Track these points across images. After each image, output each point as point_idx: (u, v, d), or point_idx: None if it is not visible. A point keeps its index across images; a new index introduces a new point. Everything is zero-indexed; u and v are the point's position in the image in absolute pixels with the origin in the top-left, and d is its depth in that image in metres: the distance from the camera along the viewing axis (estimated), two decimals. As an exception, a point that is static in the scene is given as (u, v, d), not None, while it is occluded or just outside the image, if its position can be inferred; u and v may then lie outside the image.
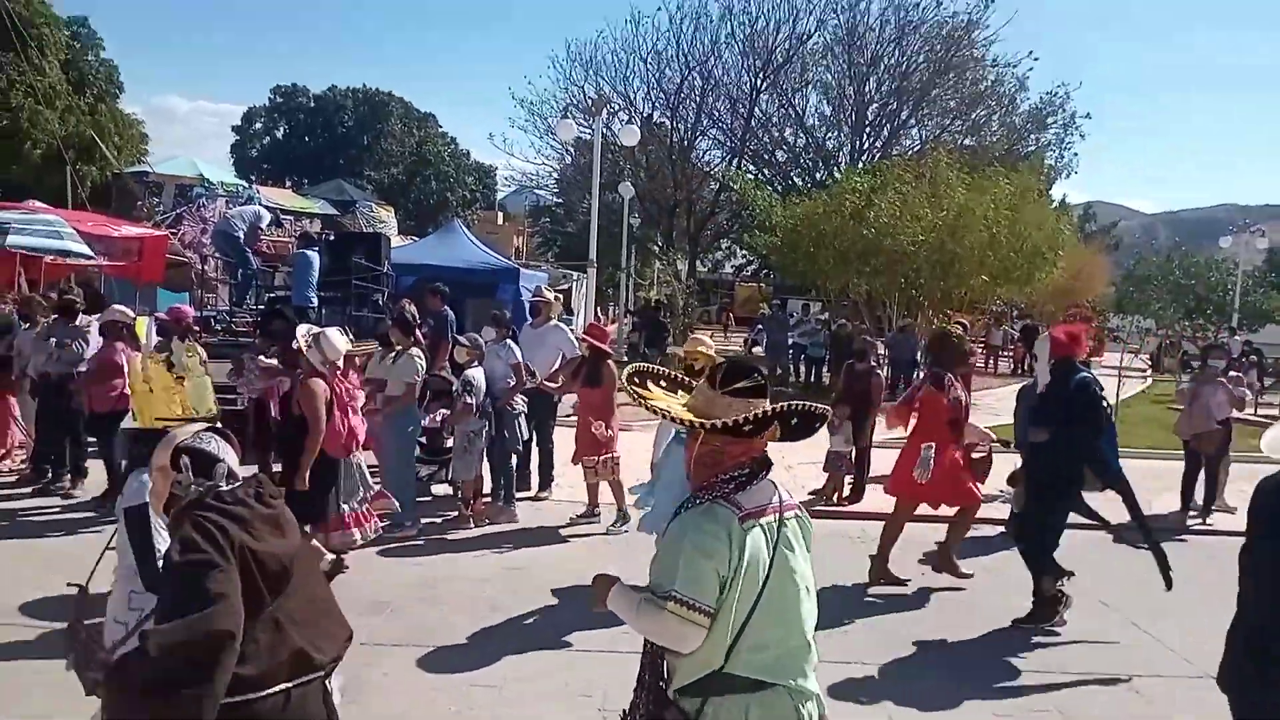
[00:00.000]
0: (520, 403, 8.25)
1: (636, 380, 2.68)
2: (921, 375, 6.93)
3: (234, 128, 63.50)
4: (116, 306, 8.81)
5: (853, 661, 5.27)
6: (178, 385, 4.94)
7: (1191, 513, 9.25)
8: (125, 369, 7.84)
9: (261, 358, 8.28)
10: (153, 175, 22.53)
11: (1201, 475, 9.25)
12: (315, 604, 2.55)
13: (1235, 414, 9.07)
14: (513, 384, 8.12)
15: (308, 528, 6.18)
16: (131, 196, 21.50)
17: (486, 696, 4.71)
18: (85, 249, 12.13)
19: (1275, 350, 30.48)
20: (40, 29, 30.54)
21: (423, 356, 7.77)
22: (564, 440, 9.22)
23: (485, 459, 8.01)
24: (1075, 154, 36.27)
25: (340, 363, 6.27)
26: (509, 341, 8.30)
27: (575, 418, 8.34)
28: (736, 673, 2.36)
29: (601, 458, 7.76)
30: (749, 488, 2.43)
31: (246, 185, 22.59)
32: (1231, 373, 9.29)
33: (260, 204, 14.67)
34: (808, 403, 2.51)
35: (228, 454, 2.60)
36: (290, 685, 2.35)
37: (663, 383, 2.76)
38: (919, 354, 18.30)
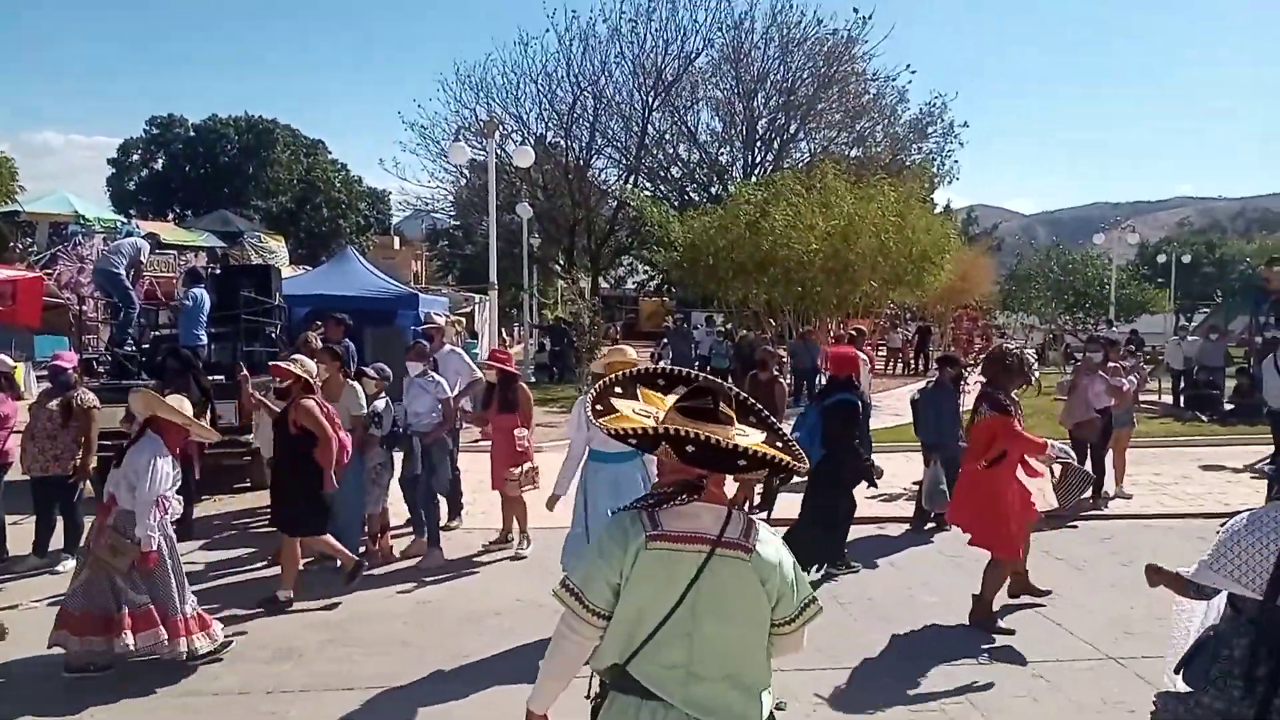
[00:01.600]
0: (449, 439, 8.07)
1: (604, 397, 2.54)
2: (977, 401, 6.17)
3: (110, 160, 60.67)
4: None
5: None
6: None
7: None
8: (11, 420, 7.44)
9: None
10: (24, 214, 21.44)
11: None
12: None
13: (1113, 402, 9.53)
14: (441, 420, 7.86)
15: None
16: (2, 238, 20.41)
17: (403, 737, 4.58)
18: (-50, 294, 11.40)
19: (1152, 339, 32.30)
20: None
21: (358, 386, 7.59)
22: (470, 467, 9.09)
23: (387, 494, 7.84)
24: (956, 161, 37.80)
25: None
26: (434, 374, 8.09)
27: (487, 443, 8.27)
28: (634, 674, 2.39)
29: (523, 468, 7.74)
30: (678, 508, 2.39)
31: (125, 220, 21.70)
32: (1110, 364, 9.75)
33: (138, 235, 14.06)
34: (715, 438, 2.30)
35: None
36: None
37: (660, 381, 2.62)
38: (820, 361, 18.77)
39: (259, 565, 7.50)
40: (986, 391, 6.16)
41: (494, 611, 6.41)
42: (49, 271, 14.71)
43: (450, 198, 38.91)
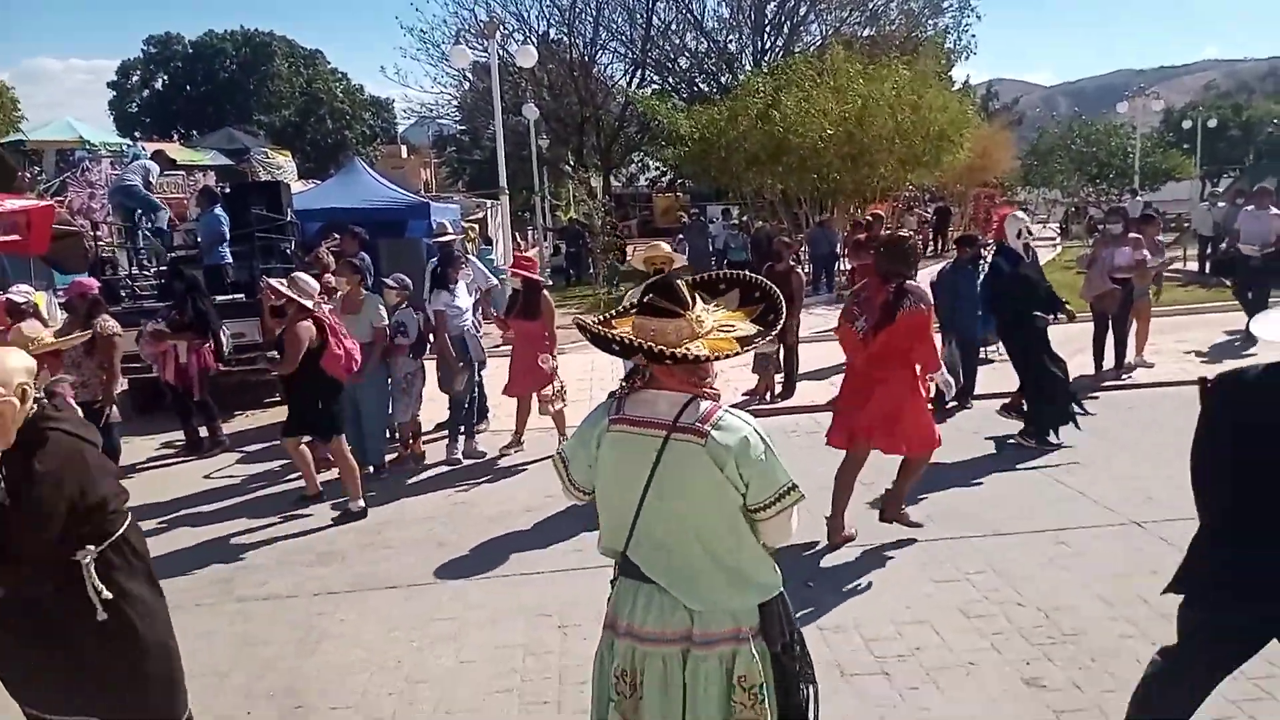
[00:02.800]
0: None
1: (598, 324, 2.58)
2: (887, 289, 5.13)
3: (110, 84, 59.82)
4: (19, 286, 8.42)
5: (795, 545, 5.44)
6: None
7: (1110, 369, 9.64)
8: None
9: (151, 324, 8.17)
10: (29, 144, 21.28)
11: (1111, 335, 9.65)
12: None
13: (1132, 270, 9.38)
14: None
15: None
16: (10, 169, 20.30)
17: (446, 628, 4.77)
18: (-34, 228, 11.45)
19: (1178, 206, 31.61)
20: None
21: (379, 298, 7.66)
22: (495, 372, 9.18)
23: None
24: (973, 35, 36.51)
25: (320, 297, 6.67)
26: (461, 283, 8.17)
27: (508, 349, 8.30)
28: (631, 558, 2.55)
29: (554, 388, 7.82)
30: (636, 395, 2.54)
31: (130, 143, 21.50)
32: (1130, 234, 9.59)
33: (145, 158, 13.97)
34: (598, 330, 2.51)
35: None
36: None
37: (721, 287, 2.73)
38: (838, 246, 18.58)
39: (294, 476, 7.69)
40: (894, 282, 5.27)
41: (525, 508, 6.58)
42: (60, 199, 14.67)
43: (455, 102, 38.21)
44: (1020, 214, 7.99)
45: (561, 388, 7.96)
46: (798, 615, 2.68)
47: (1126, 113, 36.84)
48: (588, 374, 10.72)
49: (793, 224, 22.09)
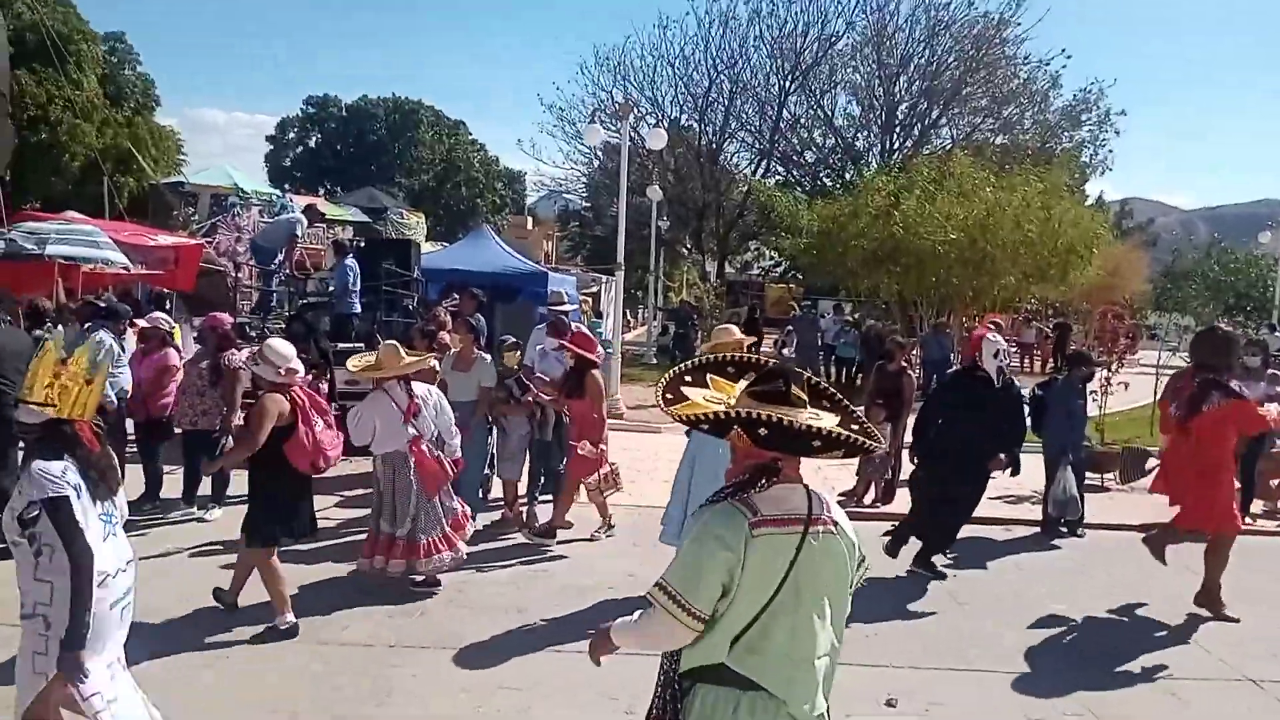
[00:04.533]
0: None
1: (675, 386, 2.55)
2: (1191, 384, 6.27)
3: (268, 137, 64.55)
4: (157, 313, 9.02)
5: (883, 665, 5.23)
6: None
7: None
8: (177, 374, 8.03)
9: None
10: (188, 185, 22.95)
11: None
12: None
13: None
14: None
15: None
16: (168, 207, 21.93)
17: (512, 699, 4.73)
18: (123, 258, 12.36)
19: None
20: (78, 44, 31.14)
21: (489, 358, 7.86)
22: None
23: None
24: (1110, 150, 35.73)
25: (299, 371, 5.62)
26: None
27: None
28: (732, 667, 2.36)
29: (602, 473, 7.47)
30: (765, 492, 2.37)
31: (280, 194, 22.93)
32: (1270, 370, 9.06)
33: (293, 211, 14.88)
34: (787, 419, 2.30)
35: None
36: None
37: (730, 369, 2.64)
38: (952, 355, 18.15)
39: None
40: (1209, 376, 6.22)
41: (606, 585, 6.52)
42: (209, 240, 15.71)
43: (583, 179, 39.46)
44: (995, 335, 7.25)
45: (609, 473, 7.58)
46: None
47: (1269, 243, 35.20)
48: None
49: (906, 325, 21.75)
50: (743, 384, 2.52)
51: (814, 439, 2.30)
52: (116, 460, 3.48)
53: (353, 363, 6.41)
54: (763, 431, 2.29)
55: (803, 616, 2.37)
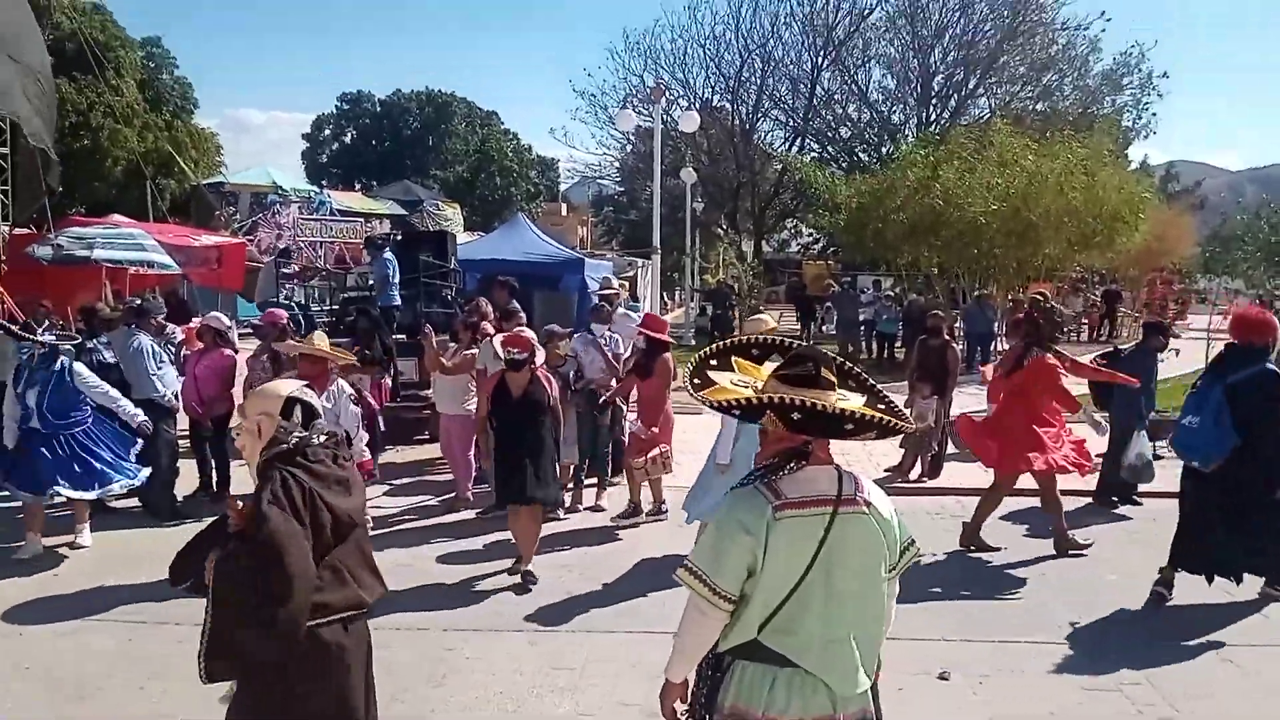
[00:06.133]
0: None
1: (701, 371, 2.56)
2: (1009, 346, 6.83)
3: (304, 135, 65.21)
4: (215, 314, 9.15)
5: (934, 639, 5.20)
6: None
7: None
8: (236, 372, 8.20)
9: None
10: (228, 186, 23.34)
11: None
12: (364, 556, 3.08)
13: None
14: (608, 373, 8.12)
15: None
16: (209, 207, 22.31)
17: (567, 679, 4.78)
18: (168, 260, 12.60)
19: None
20: (116, 51, 31.73)
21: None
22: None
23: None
24: (1154, 114, 34.87)
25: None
26: (610, 333, 8.40)
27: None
28: (766, 644, 2.40)
29: (652, 454, 7.54)
30: (793, 475, 2.39)
31: (317, 190, 23.22)
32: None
33: (330, 204, 15.04)
34: (820, 403, 2.31)
35: (324, 411, 3.08)
36: (344, 617, 2.89)
37: (754, 351, 2.66)
38: (996, 325, 17.89)
39: (438, 510, 7.95)
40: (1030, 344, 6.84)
41: (658, 567, 6.54)
42: (251, 238, 15.95)
43: (616, 164, 39.47)
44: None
45: (658, 455, 7.58)
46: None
47: (1323, 202, 34.25)
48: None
49: (948, 298, 21.47)
50: (769, 366, 2.53)
51: (847, 422, 2.33)
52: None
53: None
54: (796, 416, 2.31)
55: (835, 596, 2.39)
